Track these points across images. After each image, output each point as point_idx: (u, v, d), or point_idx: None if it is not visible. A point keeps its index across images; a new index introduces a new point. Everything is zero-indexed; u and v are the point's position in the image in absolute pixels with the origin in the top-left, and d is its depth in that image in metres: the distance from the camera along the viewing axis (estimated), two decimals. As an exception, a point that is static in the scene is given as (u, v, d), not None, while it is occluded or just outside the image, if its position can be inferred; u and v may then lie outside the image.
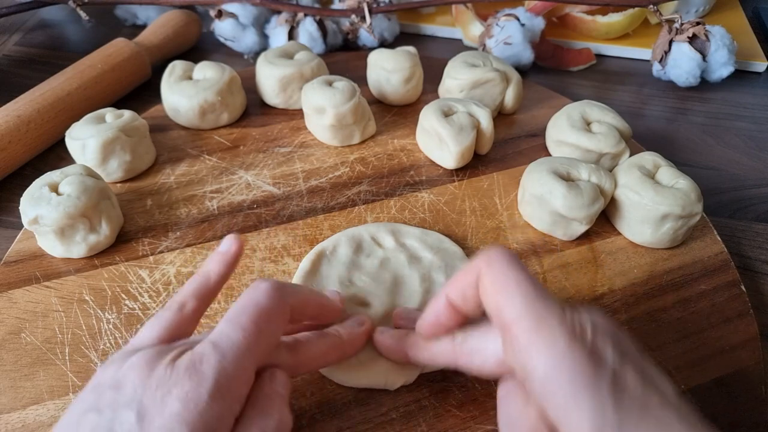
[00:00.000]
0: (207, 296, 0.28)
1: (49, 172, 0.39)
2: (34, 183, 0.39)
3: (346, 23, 0.63)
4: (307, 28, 0.60)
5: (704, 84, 0.60)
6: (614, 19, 0.64)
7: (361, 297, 0.36)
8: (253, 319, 0.25)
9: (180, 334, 0.26)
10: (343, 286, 0.36)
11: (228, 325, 0.24)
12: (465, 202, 0.44)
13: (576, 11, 0.65)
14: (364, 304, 0.35)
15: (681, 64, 0.57)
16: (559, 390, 0.22)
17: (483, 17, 0.64)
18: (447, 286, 0.27)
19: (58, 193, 0.38)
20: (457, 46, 0.67)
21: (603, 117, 0.46)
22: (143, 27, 0.67)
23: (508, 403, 0.26)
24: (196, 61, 0.52)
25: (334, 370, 0.32)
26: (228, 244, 0.29)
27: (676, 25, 0.58)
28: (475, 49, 0.64)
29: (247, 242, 0.41)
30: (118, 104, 0.55)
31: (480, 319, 0.27)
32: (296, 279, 0.37)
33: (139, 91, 0.58)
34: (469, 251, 0.40)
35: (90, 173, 0.40)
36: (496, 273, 0.25)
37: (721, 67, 0.58)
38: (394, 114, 0.53)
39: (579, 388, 0.22)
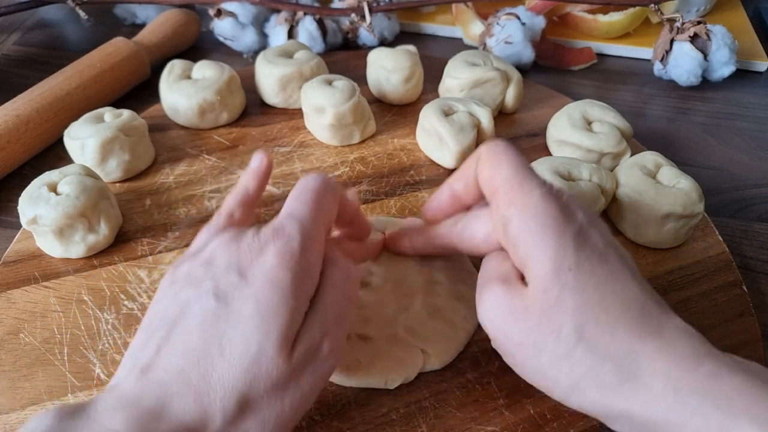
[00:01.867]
0: (249, 206, 0.31)
1: (47, 172, 0.39)
2: (32, 183, 0.39)
3: (345, 22, 0.63)
4: (307, 27, 0.60)
5: (705, 83, 0.60)
6: (615, 18, 0.64)
7: (365, 279, 0.37)
8: (313, 197, 0.28)
9: None
10: None
11: (294, 203, 0.27)
12: (465, 202, 0.44)
13: (577, 10, 0.65)
14: (363, 285, 0.36)
15: (682, 64, 0.57)
16: (529, 230, 0.25)
17: (483, 16, 0.64)
18: (451, 176, 0.31)
19: (56, 193, 0.38)
20: (457, 45, 0.67)
21: (604, 116, 0.45)
22: (142, 26, 0.66)
23: (488, 261, 0.29)
24: (195, 60, 0.52)
25: (335, 373, 0.32)
26: (258, 160, 0.32)
27: (678, 24, 0.58)
28: (476, 48, 0.64)
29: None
30: (117, 103, 0.55)
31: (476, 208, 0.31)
32: None
33: (138, 91, 0.58)
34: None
35: (89, 173, 0.40)
36: (492, 151, 0.28)
37: (723, 66, 0.58)
38: (394, 113, 0.53)
39: (547, 229, 0.25)
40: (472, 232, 0.30)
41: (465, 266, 0.38)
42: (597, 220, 0.27)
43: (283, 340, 0.24)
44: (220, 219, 0.29)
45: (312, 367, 0.25)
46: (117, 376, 0.25)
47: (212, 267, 0.25)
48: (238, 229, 0.27)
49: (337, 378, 0.32)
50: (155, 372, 0.23)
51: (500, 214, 0.26)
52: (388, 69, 0.51)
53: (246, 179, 0.32)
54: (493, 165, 0.27)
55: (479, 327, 0.35)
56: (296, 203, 0.27)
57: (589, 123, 0.46)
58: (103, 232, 0.39)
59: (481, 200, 0.30)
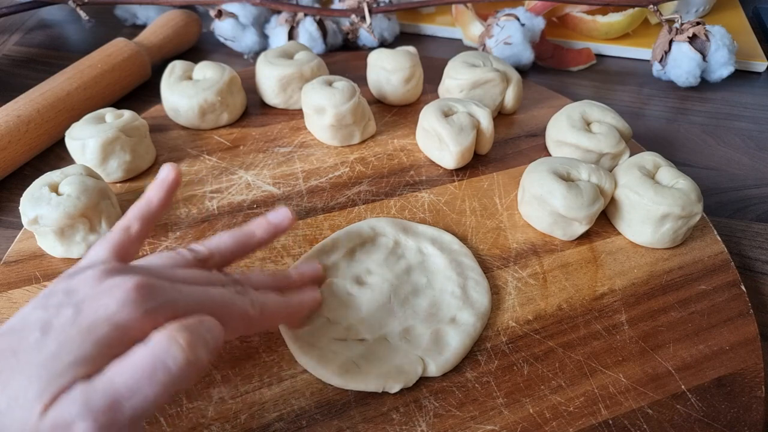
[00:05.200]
0: (150, 220, 0.30)
1: (49, 172, 0.39)
2: (34, 183, 0.39)
3: (346, 23, 0.63)
4: (307, 28, 0.60)
5: (704, 84, 0.60)
6: (614, 19, 0.64)
7: (362, 278, 0.37)
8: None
9: (127, 254, 0.28)
10: (346, 277, 0.37)
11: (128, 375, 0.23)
12: (465, 202, 0.44)
13: (576, 11, 0.65)
14: (360, 283, 0.37)
15: (681, 64, 0.57)
16: None
17: (483, 17, 0.64)
18: None
19: (58, 193, 0.38)
20: (457, 46, 0.67)
21: (603, 117, 0.46)
22: (143, 27, 0.67)
23: None
24: (196, 61, 0.52)
25: (332, 375, 0.32)
26: (166, 172, 0.31)
27: (676, 25, 0.58)
28: (475, 49, 0.64)
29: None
30: (118, 104, 0.55)
31: None
32: None
33: (138, 91, 0.58)
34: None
35: (90, 173, 0.40)
36: None
37: (721, 67, 0.58)
38: (394, 114, 0.53)
39: None
40: None
41: (468, 261, 0.38)
42: None
43: (47, 394, 0.21)
44: (115, 233, 0.28)
45: None
46: None
47: (66, 296, 0.24)
48: (114, 266, 0.25)
49: (335, 381, 0.32)
50: None
51: None
52: (388, 70, 0.51)
53: (151, 191, 0.30)
54: None
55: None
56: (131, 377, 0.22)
57: (588, 124, 0.46)
58: (104, 232, 0.39)
59: None
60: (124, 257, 0.28)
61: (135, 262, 0.28)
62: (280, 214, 0.32)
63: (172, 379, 0.22)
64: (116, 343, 0.23)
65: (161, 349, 0.22)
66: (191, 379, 0.23)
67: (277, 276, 0.32)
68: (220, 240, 0.31)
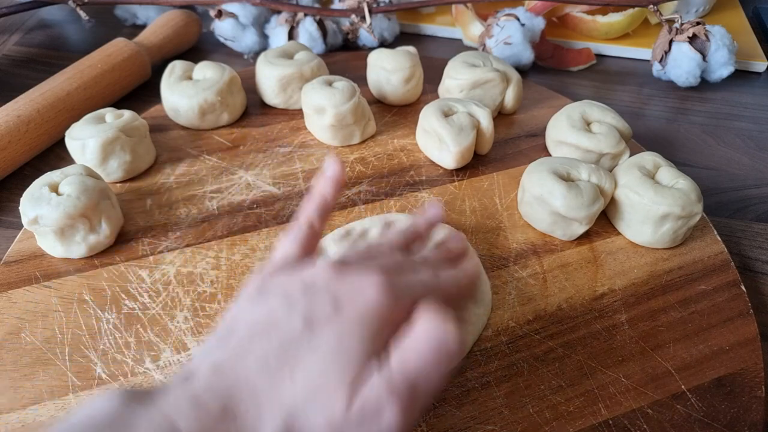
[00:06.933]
0: (327, 213, 0.31)
1: (49, 172, 0.39)
2: (34, 183, 0.39)
3: (346, 23, 0.63)
4: (307, 28, 0.60)
5: (704, 84, 0.60)
6: (614, 19, 0.64)
7: None
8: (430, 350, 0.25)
9: (311, 247, 0.30)
10: None
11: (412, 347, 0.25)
12: (465, 202, 0.44)
13: (576, 11, 0.65)
14: None
15: (681, 64, 0.57)
16: None
17: (483, 17, 0.64)
18: None
19: (58, 194, 0.38)
20: (457, 46, 0.67)
21: (603, 117, 0.46)
22: (143, 27, 0.67)
23: None
24: (196, 61, 0.52)
25: None
26: (332, 167, 0.32)
27: (676, 25, 0.58)
28: (475, 49, 0.64)
29: (246, 242, 0.41)
30: (118, 104, 0.55)
31: None
32: None
33: (138, 91, 0.58)
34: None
35: (90, 173, 0.40)
36: None
37: (721, 67, 0.58)
38: (394, 114, 0.53)
39: None
40: None
41: (472, 257, 0.38)
42: None
43: (348, 383, 0.23)
44: (302, 229, 0.30)
45: (366, 430, 0.22)
46: (188, 367, 0.24)
47: (311, 291, 0.25)
48: (343, 264, 0.27)
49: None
50: (226, 374, 0.23)
51: None
52: (388, 70, 0.51)
53: (323, 187, 0.31)
54: None
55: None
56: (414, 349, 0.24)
57: (588, 124, 0.46)
58: (104, 232, 0.39)
59: None
60: (309, 251, 0.29)
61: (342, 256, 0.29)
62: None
63: (450, 361, 0.24)
64: (385, 331, 0.25)
65: (439, 335, 0.24)
66: (457, 361, 0.25)
67: (443, 252, 0.34)
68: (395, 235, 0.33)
